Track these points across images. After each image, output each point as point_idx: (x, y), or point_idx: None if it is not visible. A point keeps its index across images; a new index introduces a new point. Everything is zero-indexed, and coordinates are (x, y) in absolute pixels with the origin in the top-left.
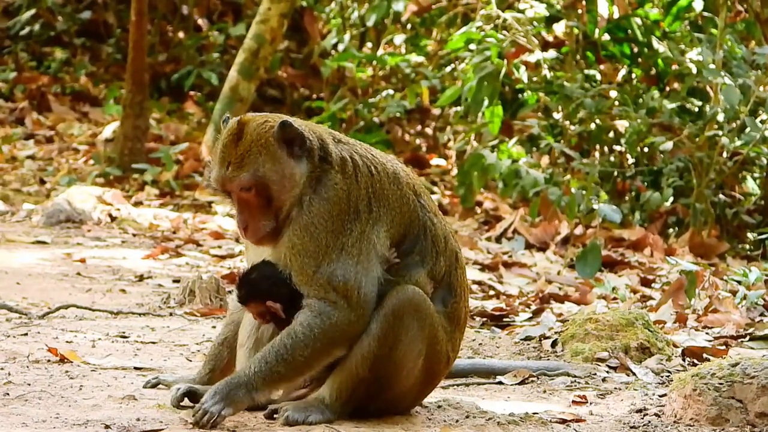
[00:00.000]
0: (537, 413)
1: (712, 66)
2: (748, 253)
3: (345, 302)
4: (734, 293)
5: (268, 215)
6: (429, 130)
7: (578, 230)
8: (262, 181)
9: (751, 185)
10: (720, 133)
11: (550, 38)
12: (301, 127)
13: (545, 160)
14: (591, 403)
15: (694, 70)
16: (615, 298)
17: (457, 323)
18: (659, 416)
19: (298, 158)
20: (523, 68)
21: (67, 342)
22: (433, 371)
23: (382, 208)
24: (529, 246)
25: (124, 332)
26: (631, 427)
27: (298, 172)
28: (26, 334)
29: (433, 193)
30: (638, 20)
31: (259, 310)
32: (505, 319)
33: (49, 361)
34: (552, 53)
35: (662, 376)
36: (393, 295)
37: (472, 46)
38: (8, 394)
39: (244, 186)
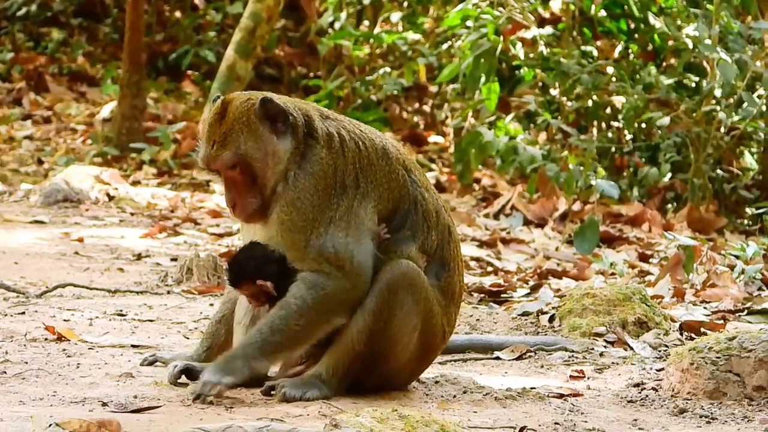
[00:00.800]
0: (534, 388)
1: (708, 41)
2: (747, 227)
3: (339, 272)
4: (732, 268)
5: (254, 192)
6: (426, 108)
7: (576, 206)
8: (244, 159)
9: (749, 160)
10: (717, 108)
11: (547, 15)
12: (284, 104)
13: (543, 136)
14: (588, 378)
15: (691, 46)
16: (613, 274)
17: (452, 297)
18: (657, 390)
19: (281, 134)
20: (519, 45)
21: (64, 320)
22: (429, 345)
23: (370, 184)
24: (527, 222)
25: (121, 310)
26: (629, 401)
27: (281, 149)
28: (24, 313)
29: (430, 170)
30: None
31: (251, 291)
32: (503, 295)
33: (46, 339)
34: (548, 30)
35: (660, 351)
36: (387, 270)
37: (469, 23)
38: (5, 372)
39: (227, 164)
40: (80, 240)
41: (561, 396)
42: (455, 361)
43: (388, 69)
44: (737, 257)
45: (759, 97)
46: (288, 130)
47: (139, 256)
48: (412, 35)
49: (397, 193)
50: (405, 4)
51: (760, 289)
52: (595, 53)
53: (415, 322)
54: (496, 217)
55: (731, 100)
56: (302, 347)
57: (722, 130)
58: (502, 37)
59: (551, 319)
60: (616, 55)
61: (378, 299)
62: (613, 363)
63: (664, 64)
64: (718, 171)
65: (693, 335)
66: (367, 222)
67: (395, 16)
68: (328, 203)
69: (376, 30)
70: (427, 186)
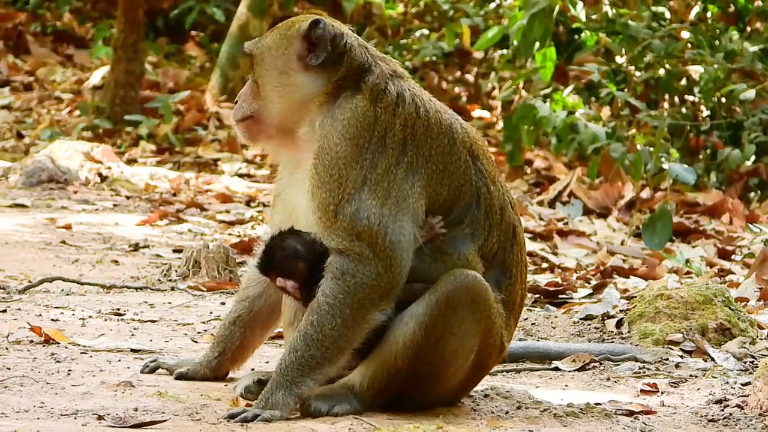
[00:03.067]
0: (600, 404)
1: None
2: None
3: (369, 251)
4: None
5: (254, 99)
6: (470, 77)
7: (645, 193)
8: (256, 53)
9: None
10: None
11: None
12: (348, 45)
13: (606, 111)
14: (662, 393)
15: None
16: (688, 273)
17: (512, 308)
18: (742, 408)
19: (309, 68)
20: (580, 4)
21: (52, 320)
22: (483, 365)
23: (421, 157)
24: (587, 211)
25: (118, 309)
26: (710, 420)
27: (298, 81)
28: (5, 311)
29: None
30: None
31: (277, 285)
32: (561, 296)
33: (32, 341)
34: None
35: (745, 362)
36: (449, 280)
37: None
38: None
39: (245, 50)
40: (68, 227)
41: (631, 413)
42: (508, 371)
43: (425, 31)
44: None
45: None
46: (323, 67)
47: (136, 247)
48: None
49: (456, 180)
50: None
51: None
52: (668, 15)
53: (472, 344)
54: (551, 205)
55: None
56: (345, 355)
57: None
58: None
59: (619, 324)
60: (692, 17)
61: (432, 311)
62: (691, 376)
63: (749, 28)
64: None
65: None
66: (410, 201)
67: None
68: (359, 156)
69: None
70: (494, 177)
